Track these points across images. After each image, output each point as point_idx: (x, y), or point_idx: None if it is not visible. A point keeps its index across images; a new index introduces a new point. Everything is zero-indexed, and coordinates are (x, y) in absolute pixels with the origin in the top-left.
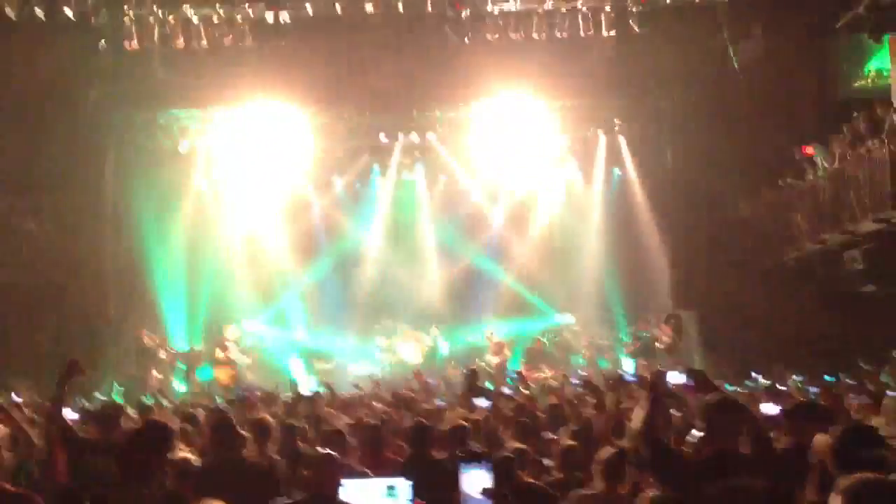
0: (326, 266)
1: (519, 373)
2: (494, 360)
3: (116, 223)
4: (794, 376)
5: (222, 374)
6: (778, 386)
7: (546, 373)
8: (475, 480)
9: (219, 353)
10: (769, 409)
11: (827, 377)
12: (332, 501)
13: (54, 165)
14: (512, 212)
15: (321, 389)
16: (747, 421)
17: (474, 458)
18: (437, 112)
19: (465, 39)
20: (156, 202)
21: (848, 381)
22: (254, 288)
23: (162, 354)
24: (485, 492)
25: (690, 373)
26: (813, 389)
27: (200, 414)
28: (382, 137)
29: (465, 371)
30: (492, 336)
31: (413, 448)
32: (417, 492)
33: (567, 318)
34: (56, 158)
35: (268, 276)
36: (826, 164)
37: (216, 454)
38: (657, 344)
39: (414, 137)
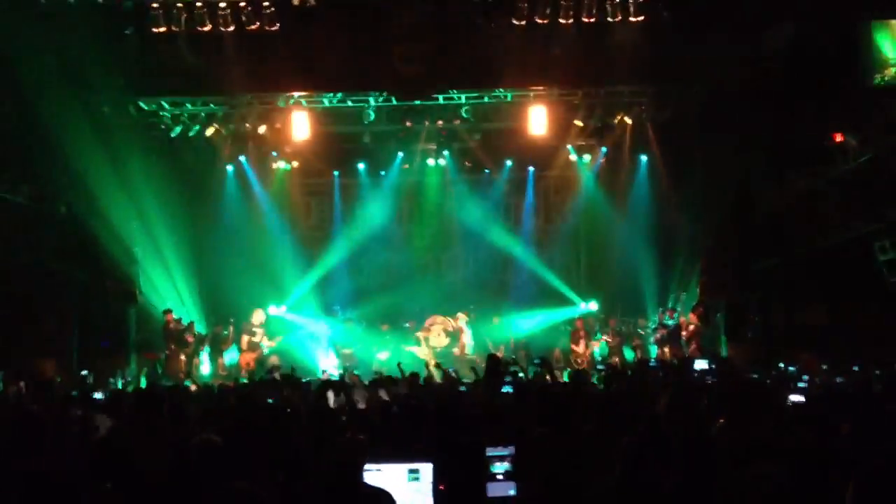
0: (350, 252)
1: (543, 359)
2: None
3: (142, 206)
4: (821, 366)
5: (248, 358)
6: (804, 375)
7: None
8: (499, 464)
9: (245, 338)
10: (795, 397)
11: (855, 367)
12: (356, 485)
13: (81, 150)
14: (538, 198)
15: (345, 375)
16: (772, 409)
17: (498, 442)
18: (463, 97)
19: (492, 24)
20: (181, 186)
21: (875, 370)
22: (276, 273)
23: (188, 337)
24: (507, 475)
25: (716, 361)
26: (839, 379)
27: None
28: (408, 123)
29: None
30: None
31: (436, 432)
32: (440, 475)
33: (591, 306)
34: (82, 143)
35: (290, 261)
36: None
37: (238, 431)
38: (683, 332)
39: (440, 123)
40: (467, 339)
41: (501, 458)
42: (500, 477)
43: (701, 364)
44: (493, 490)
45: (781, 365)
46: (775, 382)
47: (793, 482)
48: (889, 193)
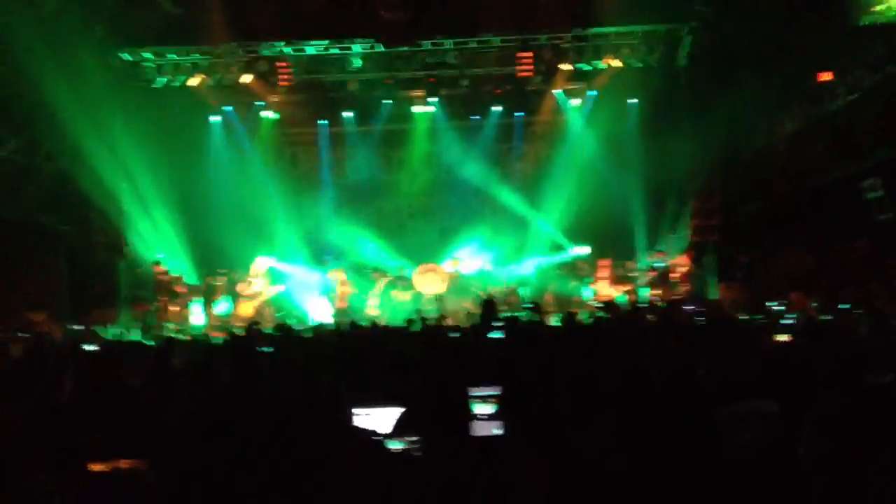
0: (339, 200)
1: (534, 303)
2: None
3: (128, 159)
4: (811, 304)
5: (246, 308)
6: (793, 314)
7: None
8: (484, 404)
9: (243, 287)
10: (782, 336)
11: (841, 305)
12: (344, 429)
13: (65, 103)
14: (527, 144)
15: (337, 322)
16: (759, 347)
17: (485, 383)
18: (450, 43)
19: None
20: (167, 138)
21: (860, 309)
22: (265, 223)
23: (178, 288)
24: (493, 416)
25: (705, 302)
26: (826, 317)
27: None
28: (393, 69)
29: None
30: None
31: (423, 375)
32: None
33: (582, 250)
34: (64, 96)
35: (279, 211)
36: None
37: (235, 379)
38: (673, 274)
39: (427, 69)
40: (458, 285)
41: (487, 399)
42: (485, 417)
43: (688, 308)
44: (478, 429)
45: (769, 305)
46: (763, 322)
47: (780, 416)
48: (876, 133)
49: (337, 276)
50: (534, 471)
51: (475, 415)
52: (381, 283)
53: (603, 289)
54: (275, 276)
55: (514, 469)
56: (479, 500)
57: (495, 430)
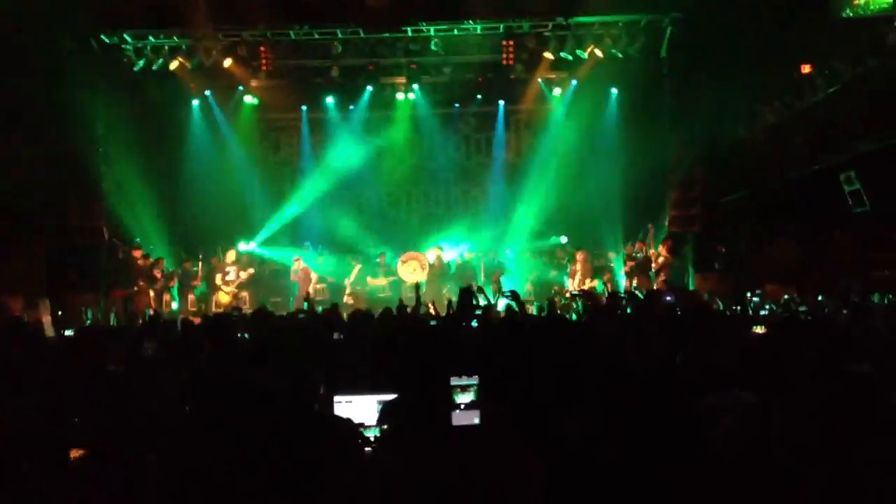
0: (319, 187)
1: (513, 291)
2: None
3: (107, 142)
4: (785, 296)
5: (223, 297)
6: (767, 305)
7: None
8: (463, 393)
9: (218, 276)
10: (759, 328)
11: (819, 297)
12: (325, 418)
13: (41, 87)
14: (509, 132)
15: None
16: (737, 338)
17: (463, 373)
18: (432, 30)
19: None
20: (147, 122)
21: (837, 301)
22: (245, 209)
23: (156, 273)
24: (471, 405)
25: (684, 293)
26: (803, 309)
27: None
28: (376, 55)
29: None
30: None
31: (404, 363)
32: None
33: (561, 239)
34: (40, 80)
35: (259, 197)
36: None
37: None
38: (652, 264)
39: (409, 56)
40: (440, 273)
41: (465, 388)
42: (464, 406)
43: (667, 298)
44: (458, 419)
45: (748, 295)
46: (741, 315)
47: (757, 407)
48: (856, 126)
49: (297, 264)
50: (529, 466)
51: (457, 404)
52: (356, 270)
53: (581, 278)
54: (251, 262)
55: (504, 462)
56: (468, 492)
57: (475, 419)
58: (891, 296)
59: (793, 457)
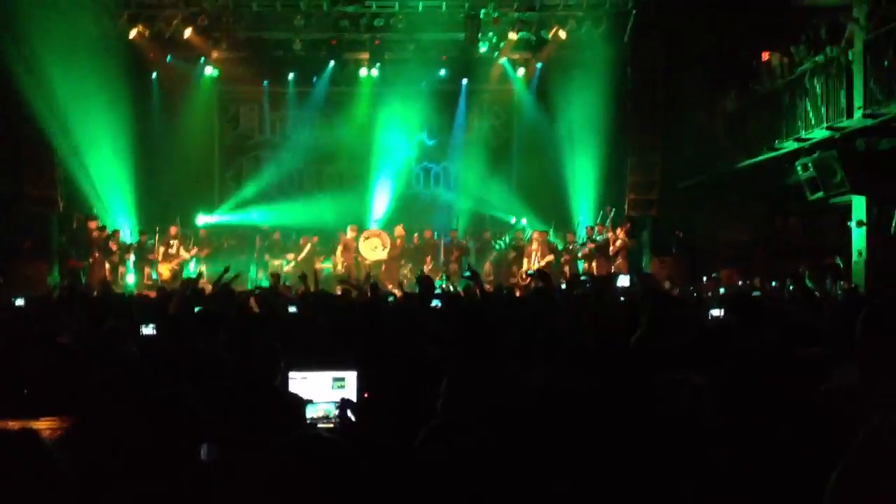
0: (279, 162)
1: (473, 271)
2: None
3: (64, 110)
4: (740, 281)
5: (164, 270)
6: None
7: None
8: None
9: (161, 249)
10: (713, 311)
11: (773, 283)
12: (279, 394)
13: None
14: (472, 111)
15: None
16: (690, 320)
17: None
18: (397, 5)
19: None
20: (105, 91)
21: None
22: (205, 182)
23: (112, 245)
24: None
25: (640, 276)
26: (757, 292)
27: None
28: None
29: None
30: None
31: (362, 341)
32: (366, 383)
33: (520, 221)
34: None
35: (219, 170)
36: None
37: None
38: (611, 247)
39: (372, 31)
40: (400, 253)
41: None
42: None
43: (623, 281)
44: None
45: (704, 279)
46: (697, 298)
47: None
48: (814, 113)
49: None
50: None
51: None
52: (306, 249)
53: (538, 258)
54: (206, 238)
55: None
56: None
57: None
58: (841, 282)
59: (726, 435)
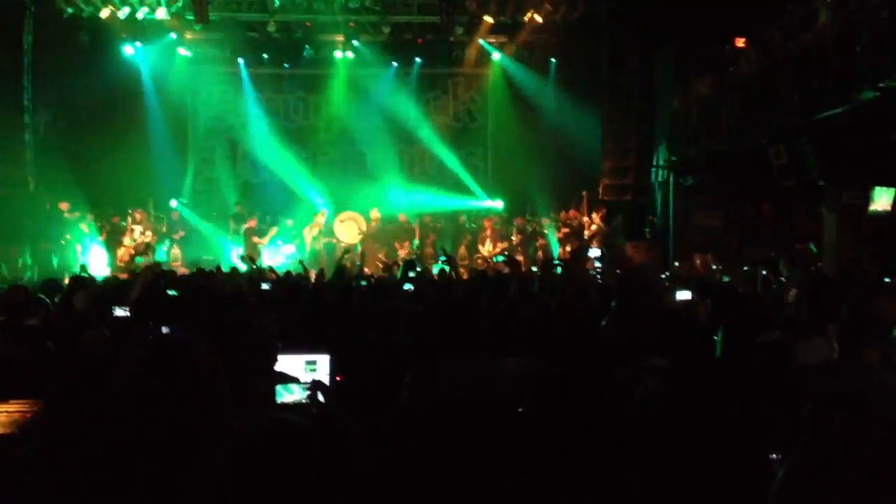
0: (254, 145)
1: (449, 256)
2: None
3: (35, 91)
4: (713, 265)
5: (122, 252)
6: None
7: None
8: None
9: (127, 237)
10: (683, 294)
11: (745, 268)
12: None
13: None
14: (447, 95)
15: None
16: (658, 303)
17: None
18: None
19: None
20: (77, 71)
21: (763, 271)
22: (177, 166)
23: (83, 227)
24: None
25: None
26: (727, 278)
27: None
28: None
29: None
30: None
31: (336, 325)
32: (339, 367)
33: (495, 204)
34: None
35: (193, 153)
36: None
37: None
38: (585, 231)
39: (347, 13)
40: (374, 235)
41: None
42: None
43: (594, 252)
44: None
45: (676, 264)
46: (666, 283)
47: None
48: (787, 100)
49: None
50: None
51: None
52: (270, 235)
53: (491, 243)
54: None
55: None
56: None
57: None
58: (812, 269)
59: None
